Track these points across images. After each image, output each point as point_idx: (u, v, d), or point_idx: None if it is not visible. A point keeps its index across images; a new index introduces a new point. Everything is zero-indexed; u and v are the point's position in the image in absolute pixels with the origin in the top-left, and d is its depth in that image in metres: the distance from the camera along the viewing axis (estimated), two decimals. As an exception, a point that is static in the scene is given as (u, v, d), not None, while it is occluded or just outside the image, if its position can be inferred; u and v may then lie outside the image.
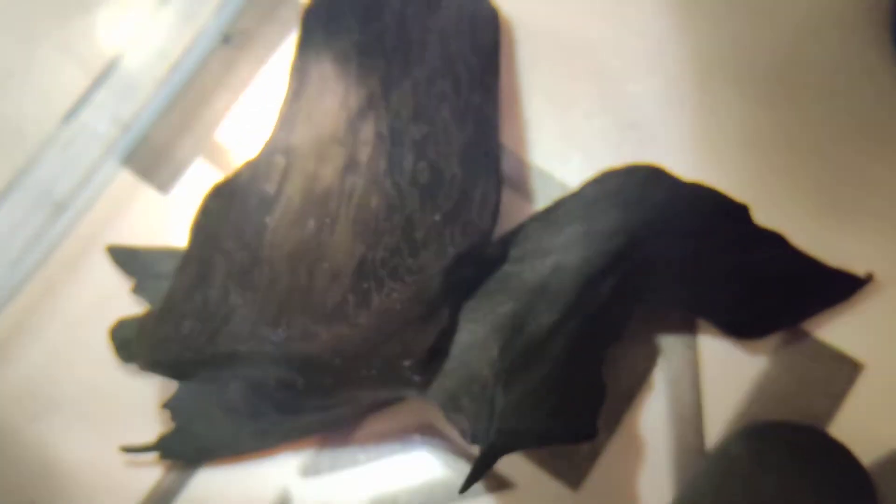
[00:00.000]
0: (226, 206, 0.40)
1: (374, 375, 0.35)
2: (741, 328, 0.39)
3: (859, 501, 0.34)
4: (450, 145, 0.39)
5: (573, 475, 0.39)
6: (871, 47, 0.42)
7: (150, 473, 0.41)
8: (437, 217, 0.38)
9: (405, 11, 0.43)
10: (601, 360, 0.36)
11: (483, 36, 0.43)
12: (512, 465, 0.39)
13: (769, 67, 0.43)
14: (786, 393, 0.38)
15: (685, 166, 0.40)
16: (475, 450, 0.39)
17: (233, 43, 0.47)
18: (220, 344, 0.36)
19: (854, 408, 0.38)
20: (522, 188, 0.43)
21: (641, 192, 0.38)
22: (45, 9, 0.48)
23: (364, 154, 0.40)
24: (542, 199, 0.42)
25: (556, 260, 0.37)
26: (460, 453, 0.40)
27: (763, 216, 0.39)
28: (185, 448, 0.41)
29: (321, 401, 0.38)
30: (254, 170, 0.40)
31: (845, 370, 0.38)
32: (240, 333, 0.36)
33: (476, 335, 0.36)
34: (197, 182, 0.45)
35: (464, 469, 0.39)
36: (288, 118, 0.41)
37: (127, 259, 0.44)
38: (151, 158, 0.46)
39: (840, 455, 0.35)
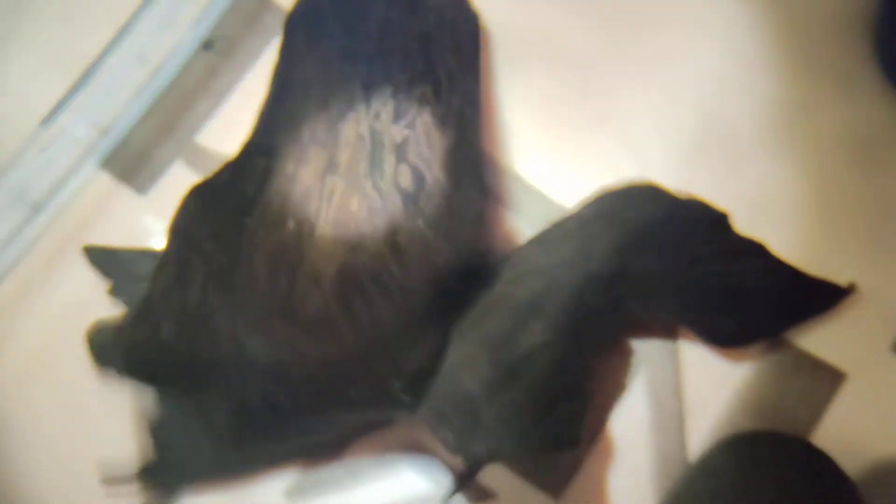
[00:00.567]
0: (205, 206, 0.39)
1: (363, 397, 0.35)
2: (723, 338, 0.39)
3: (843, 511, 0.34)
4: (431, 149, 0.39)
5: (555, 485, 0.38)
6: (853, 56, 0.43)
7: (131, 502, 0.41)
8: (420, 222, 0.38)
9: (388, 16, 0.43)
10: (584, 370, 0.36)
11: (464, 40, 0.43)
12: (494, 475, 0.39)
13: (756, 77, 0.43)
14: (768, 403, 0.38)
15: (679, 182, 0.40)
16: (459, 463, 0.39)
17: (214, 49, 0.47)
18: (198, 347, 0.36)
19: (837, 417, 0.38)
20: (501, 196, 0.43)
21: (638, 214, 0.38)
22: (24, 12, 0.47)
23: (344, 155, 0.39)
24: (524, 210, 0.42)
25: (550, 278, 0.37)
26: (446, 470, 0.39)
27: (747, 227, 0.39)
28: (169, 476, 0.40)
29: (308, 424, 0.37)
30: (233, 170, 0.40)
31: (828, 380, 0.38)
32: (219, 337, 0.36)
33: (466, 354, 0.36)
34: (176, 184, 0.44)
35: (448, 485, 0.39)
36: (268, 119, 0.41)
37: (104, 260, 0.43)
38: (130, 161, 0.46)
39: (824, 465, 0.35)
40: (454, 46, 0.42)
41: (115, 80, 0.46)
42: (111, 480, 0.40)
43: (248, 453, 0.40)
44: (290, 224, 0.38)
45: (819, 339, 0.39)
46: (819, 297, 0.39)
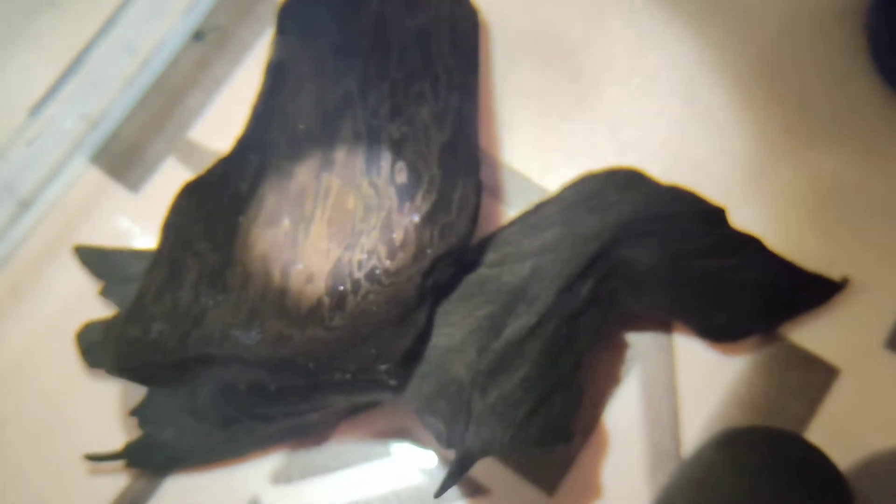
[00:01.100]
0: (197, 204, 0.39)
1: (348, 379, 0.35)
2: (717, 332, 0.39)
3: (835, 506, 0.34)
4: (428, 146, 0.39)
5: (548, 480, 0.39)
6: (846, 53, 0.43)
7: (117, 482, 0.40)
8: (416, 218, 0.38)
9: (383, 10, 0.42)
10: (578, 363, 0.36)
11: (463, 36, 0.42)
12: (486, 470, 0.39)
13: (747, 72, 0.43)
14: (762, 397, 0.39)
15: (663, 169, 0.40)
16: (450, 454, 0.39)
17: (206, 40, 0.46)
18: (190, 347, 0.35)
19: (830, 412, 0.38)
20: (497, 191, 0.43)
21: (620, 196, 0.38)
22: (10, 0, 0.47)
23: (340, 153, 0.39)
24: (518, 203, 0.42)
25: (535, 263, 0.37)
26: (434, 459, 0.39)
27: (740, 220, 0.39)
28: (153, 456, 0.40)
29: (294, 406, 0.37)
30: (226, 167, 0.40)
31: (821, 374, 0.38)
32: (211, 336, 0.36)
33: (453, 338, 0.36)
34: (168, 181, 0.44)
35: (438, 475, 0.39)
36: (262, 115, 0.41)
37: (95, 260, 0.43)
38: (121, 156, 0.45)
39: (816, 460, 0.35)
40: (453, 42, 0.42)
41: (104, 71, 0.45)
42: (97, 458, 0.40)
43: (233, 434, 0.39)
44: (285, 223, 0.38)
45: (812, 334, 0.39)
46: (812, 291, 0.39)
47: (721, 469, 0.35)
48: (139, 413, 0.40)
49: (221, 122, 0.45)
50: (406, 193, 0.38)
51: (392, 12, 0.42)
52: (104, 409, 0.41)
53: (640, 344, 0.40)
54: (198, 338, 0.36)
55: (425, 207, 0.38)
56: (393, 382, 0.35)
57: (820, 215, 0.41)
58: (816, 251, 0.40)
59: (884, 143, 0.41)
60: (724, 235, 0.39)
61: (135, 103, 0.46)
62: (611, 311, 0.38)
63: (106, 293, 0.42)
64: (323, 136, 0.40)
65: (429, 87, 0.40)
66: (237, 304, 0.36)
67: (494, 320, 0.36)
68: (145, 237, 0.43)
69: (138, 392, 0.40)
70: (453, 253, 0.37)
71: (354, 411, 0.40)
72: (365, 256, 0.37)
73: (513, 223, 0.40)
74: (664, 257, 0.38)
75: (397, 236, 0.37)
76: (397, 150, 0.39)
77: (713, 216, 0.39)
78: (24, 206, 0.44)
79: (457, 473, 0.33)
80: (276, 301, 0.36)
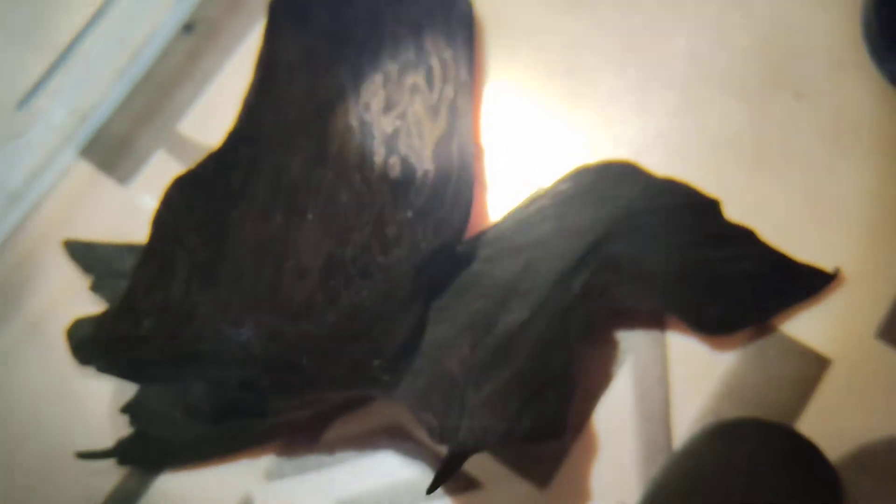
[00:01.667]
0: (188, 198, 0.39)
1: (342, 375, 0.35)
2: (709, 324, 0.39)
3: (827, 498, 0.34)
4: (422, 140, 0.39)
5: (541, 474, 0.39)
6: (843, 43, 0.43)
7: (108, 479, 0.40)
8: (409, 214, 0.37)
9: (377, 2, 0.42)
10: (570, 357, 0.36)
11: (458, 29, 0.42)
12: (479, 464, 0.39)
13: (743, 64, 0.43)
14: (754, 389, 0.39)
15: (657, 162, 0.40)
16: (442, 450, 0.39)
17: (196, 31, 0.46)
18: (181, 343, 0.35)
19: (822, 404, 0.38)
20: (491, 185, 0.43)
21: (615, 189, 0.38)
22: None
23: (333, 147, 0.39)
24: (512, 197, 0.42)
25: (528, 257, 0.37)
26: (427, 454, 0.39)
27: (733, 212, 0.39)
28: (145, 453, 0.40)
29: (287, 402, 0.37)
30: (218, 161, 0.39)
31: (813, 366, 0.39)
32: (202, 332, 0.35)
33: (446, 333, 0.36)
34: (158, 174, 0.44)
35: (430, 470, 0.39)
36: (253, 108, 0.41)
37: (85, 255, 0.43)
38: (111, 149, 0.45)
39: (808, 451, 0.35)
40: (447, 34, 0.42)
41: (94, 63, 0.45)
42: (87, 456, 0.40)
43: (225, 430, 0.39)
44: (277, 217, 0.38)
45: (804, 325, 0.39)
46: (804, 282, 0.39)
47: (713, 461, 0.35)
48: (130, 410, 0.40)
49: (212, 114, 0.44)
50: (399, 188, 0.38)
51: (386, 3, 0.42)
52: (95, 406, 0.41)
53: (633, 337, 0.40)
54: (189, 334, 0.35)
55: (419, 202, 0.38)
56: (386, 378, 0.35)
57: (812, 205, 0.41)
58: (808, 243, 0.40)
59: (878, 134, 0.41)
60: (717, 227, 0.39)
61: (124, 96, 0.45)
62: (604, 305, 0.38)
63: (96, 288, 0.42)
64: (315, 130, 0.39)
65: (423, 79, 0.40)
66: (229, 300, 0.36)
67: (487, 315, 0.36)
68: (135, 231, 0.43)
69: (129, 389, 0.40)
70: (447, 248, 0.37)
71: (348, 407, 0.40)
72: (358, 251, 0.37)
73: (506, 218, 0.40)
74: (658, 250, 0.38)
75: (390, 231, 0.37)
76: (390, 144, 0.39)
77: (707, 208, 0.39)
78: (13, 199, 0.44)
79: (450, 468, 0.33)
80: (269, 296, 0.36)
